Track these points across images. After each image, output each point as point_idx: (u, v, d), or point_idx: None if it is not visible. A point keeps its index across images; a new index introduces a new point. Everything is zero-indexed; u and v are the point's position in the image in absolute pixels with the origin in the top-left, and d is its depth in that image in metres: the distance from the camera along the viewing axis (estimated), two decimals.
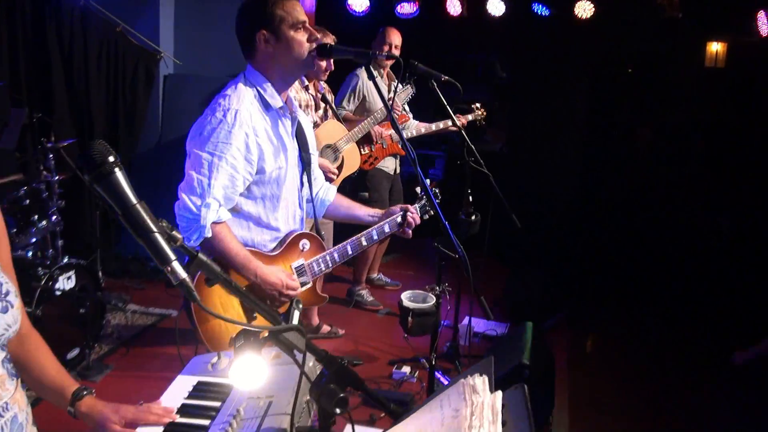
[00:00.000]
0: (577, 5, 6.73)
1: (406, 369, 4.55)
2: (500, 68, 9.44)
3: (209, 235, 2.41)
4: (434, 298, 3.93)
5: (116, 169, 1.23)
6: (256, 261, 2.52)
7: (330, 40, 4.52)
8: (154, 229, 1.22)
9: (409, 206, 2.92)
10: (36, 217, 4.48)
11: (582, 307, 6.06)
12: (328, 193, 3.01)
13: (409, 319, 4.38)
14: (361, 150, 5.27)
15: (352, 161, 4.84)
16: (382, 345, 5.02)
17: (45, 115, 5.34)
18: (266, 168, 2.53)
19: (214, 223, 2.43)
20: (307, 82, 4.47)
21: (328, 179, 4.40)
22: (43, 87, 5.99)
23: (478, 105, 5.67)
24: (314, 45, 2.53)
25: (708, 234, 7.40)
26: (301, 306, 1.48)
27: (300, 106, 4.36)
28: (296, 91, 4.34)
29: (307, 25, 2.55)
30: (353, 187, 5.44)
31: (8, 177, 4.75)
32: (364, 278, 6.04)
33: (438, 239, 3.19)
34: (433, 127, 5.53)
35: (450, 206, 4.01)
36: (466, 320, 5.04)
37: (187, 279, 1.22)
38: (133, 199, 1.23)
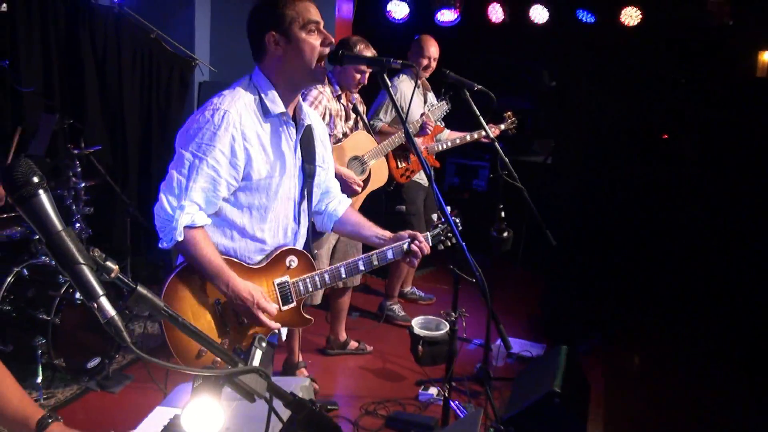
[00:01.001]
0: (623, 12, 6.53)
1: (433, 391, 4.38)
2: (548, 76, 9.23)
3: (181, 238, 2.28)
4: (448, 326, 3.73)
5: (40, 191, 1.11)
6: (230, 272, 2.34)
7: (370, 52, 4.40)
8: (80, 260, 1.08)
9: (418, 234, 2.71)
10: None
11: (620, 328, 5.79)
12: (338, 207, 2.85)
13: (420, 347, 4.22)
14: (398, 163, 5.15)
15: (380, 175, 4.69)
16: (411, 363, 4.82)
17: (77, 122, 5.33)
18: (253, 175, 2.38)
19: (188, 227, 2.29)
20: (339, 91, 4.35)
21: (353, 191, 4.26)
22: (76, 93, 5.99)
23: (510, 113, 5.48)
24: (327, 50, 2.39)
25: (760, 250, 7.05)
26: (264, 344, 1.34)
27: (330, 115, 4.24)
28: (327, 100, 4.22)
29: (322, 28, 2.40)
30: (389, 199, 5.32)
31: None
32: (397, 292, 5.89)
33: (455, 261, 2.99)
34: (468, 137, 5.36)
35: (486, 222, 3.88)
36: (499, 339, 4.84)
37: (116, 317, 1.08)
38: (58, 226, 1.10)
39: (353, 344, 5.05)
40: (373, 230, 2.78)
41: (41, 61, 5.66)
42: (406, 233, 2.70)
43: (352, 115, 4.55)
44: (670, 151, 8.21)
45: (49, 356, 4.10)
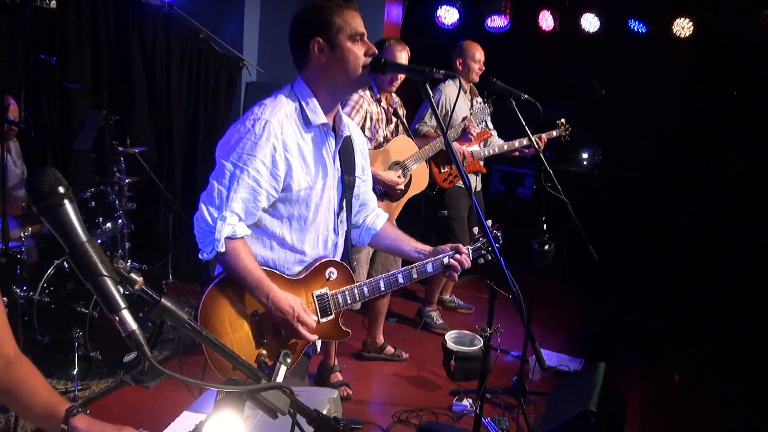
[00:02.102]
0: (675, 23, 6.42)
1: (468, 402, 4.31)
2: (598, 86, 9.10)
3: (223, 250, 2.26)
4: (482, 341, 3.66)
5: (65, 202, 1.10)
6: (271, 284, 2.32)
7: (405, 53, 4.38)
8: (103, 272, 1.06)
9: (460, 246, 2.64)
10: (101, 219, 4.50)
11: (660, 346, 5.66)
12: (376, 220, 2.81)
13: (452, 362, 4.15)
14: (441, 168, 5.11)
15: (421, 180, 4.65)
16: None
17: (124, 119, 5.39)
18: (293, 186, 2.35)
19: (229, 238, 2.27)
20: (379, 95, 4.32)
21: (395, 194, 4.24)
22: (124, 90, 6.09)
23: (563, 120, 5.38)
24: (369, 60, 2.36)
25: None
26: (289, 361, 1.31)
27: (371, 119, 4.22)
28: (368, 104, 4.20)
29: (366, 38, 2.37)
30: (432, 205, 5.29)
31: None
32: (436, 299, 5.84)
33: (492, 275, 2.92)
34: (516, 143, 5.29)
35: (529, 231, 3.82)
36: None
37: (138, 331, 1.06)
38: (82, 237, 1.09)
39: (389, 349, 5.02)
40: (411, 244, 2.72)
41: (89, 58, 5.76)
42: (447, 246, 2.64)
43: (393, 119, 4.52)
44: (719, 165, 8.01)
45: (86, 348, 4.16)
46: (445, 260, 2.59)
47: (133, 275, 1.10)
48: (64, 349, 4.21)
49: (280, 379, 1.28)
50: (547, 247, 3.79)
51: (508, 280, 2.42)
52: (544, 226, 3.80)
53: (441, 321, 5.69)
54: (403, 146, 4.49)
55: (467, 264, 2.62)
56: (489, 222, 2.70)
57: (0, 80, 4.64)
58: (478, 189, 5.60)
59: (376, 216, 2.81)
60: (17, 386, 1.59)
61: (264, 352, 2.41)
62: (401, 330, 5.65)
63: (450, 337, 4.36)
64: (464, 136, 4.97)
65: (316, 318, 2.44)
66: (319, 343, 2.69)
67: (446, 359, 4.25)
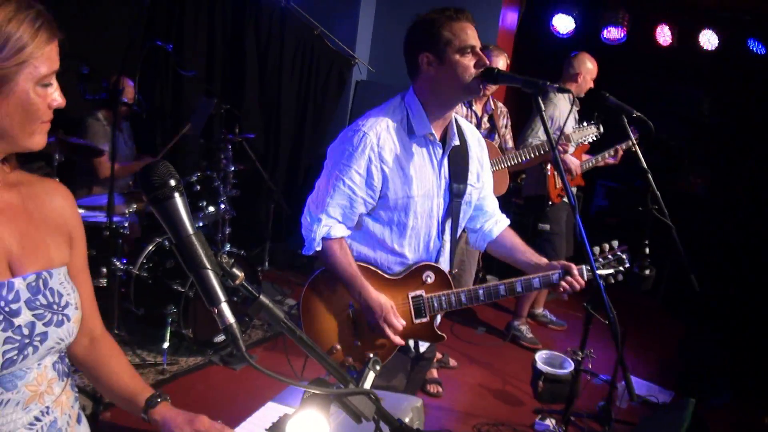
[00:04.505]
0: None
1: (551, 422, 4.20)
2: (709, 107, 8.74)
3: (319, 248, 2.44)
4: (572, 364, 3.56)
5: (176, 194, 1.14)
6: (364, 283, 2.43)
7: (503, 59, 4.32)
8: (206, 265, 1.09)
9: (572, 267, 2.54)
10: (204, 203, 4.63)
11: (756, 385, 5.37)
12: (494, 228, 2.80)
13: (540, 383, 4.05)
14: (557, 182, 5.04)
15: (498, 187, 4.53)
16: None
17: (234, 108, 5.55)
18: (390, 195, 2.42)
19: (325, 238, 2.43)
20: (475, 98, 4.27)
21: None
22: (236, 81, 6.26)
23: (633, 128, 5.19)
24: (480, 71, 2.34)
25: None
26: (378, 367, 1.31)
27: None
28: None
29: (477, 50, 2.36)
30: (535, 217, 5.23)
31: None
32: (526, 312, 5.73)
33: (590, 299, 2.83)
34: (600, 158, 5.17)
35: (631, 251, 3.69)
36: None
37: (235, 325, 1.08)
38: (189, 229, 1.12)
39: (437, 355, 4.87)
40: (527, 255, 2.68)
41: (205, 47, 5.97)
42: (559, 263, 2.56)
43: (486, 124, 4.47)
44: None
45: (179, 325, 4.31)
46: (554, 279, 2.52)
47: (235, 270, 1.13)
48: (158, 323, 4.37)
49: (367, 384, 1.28)
50: (648, 272, 3.65)
51: (605, 305, 2.34)
52: (647, 249, 3.68)
53: (531, 335, 5.58)
54: None
55: (578, 287, 2.54)
56: (615, 242, 2.64)
57: (117, 63, 4.84)
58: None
59: (495, 223, 2.79)
60: (101, 365, 1.64)
61: (359, 343, 2.53)
62: (489, 340, 5.59)
63: (540, 357, 4.28)
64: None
65: (404, 322, 2.48)
66: (423, 347, 2.72)
67: (535, 379, 4.17)
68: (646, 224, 3.66)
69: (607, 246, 2.67)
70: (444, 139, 2.52)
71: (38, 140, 1.33)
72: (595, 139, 4.87)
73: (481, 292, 2.53)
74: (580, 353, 3.00)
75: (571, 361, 4.02)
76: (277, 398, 1.93)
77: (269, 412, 1.85)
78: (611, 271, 2.65)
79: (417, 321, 2.53)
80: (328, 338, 2.53)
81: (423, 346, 2.72)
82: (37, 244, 1.39)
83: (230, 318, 1.08)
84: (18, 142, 1.31)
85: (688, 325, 6.12)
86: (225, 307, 1.08)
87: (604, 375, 4.55)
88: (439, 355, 4.94)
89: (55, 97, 1.32)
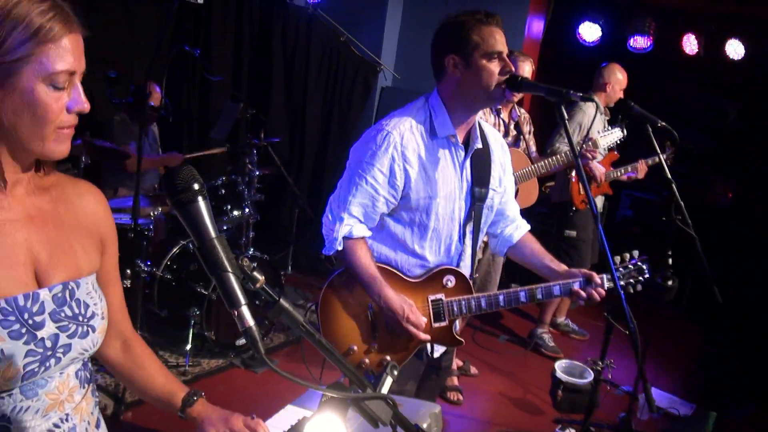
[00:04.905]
0: None
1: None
2: (735, 117, 8.64)
3: (340, 248, 2.42)
4: (592, 374, 3.53)
5: (199, 198, 1.15)
6: (383, 284, 2.40)
7: (529, 66, 4.31)
8: (228, 269, 1.10)
9: (594, 275, 2.52)
10: (229, 206, 4.67)
11: None
12: (514, 233, 2.78)
13: (559, 392, 4.02)
14: (581, 188, 4.99)
15: (528, 196, 4.54)
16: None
17: (260, 113, 5.59)
18: (412, 195, 2.41)
19: (347, 237, 2.41)
20: (499, 106, 4.26)
21: None
22: (262, 86, 6.32)
23: (668, 143, 5.13)
24: (505, 78, 2.33)
25: None
26: (396, 372, 1.32)
27: None
28: (483, 113, 4.14)
29: (504, 56, 2.34)
30: (560, 224, 5.21)
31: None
32: (549, 319, 5.70)
33: (611, 308, 2.80)
34: (621, 171, 5.14)
35: (654, 261, 3.66)
36: (652, 391, 4.55)
37: (254, 328, 1.10)
38: (212, 233, 1.13)
39: (457, 362, 4.84)
40: (546, 261, 2.67)
41: (232, 52, 6.04)
42: (580, 272, 2.54)
43: (513, 132, 4.45)
44: None
45: (201, 327, 4.35)
46: (576, 286, 2.50)
47: (255, 274, 1.14)
48: (180, 325, 4.42)
49: (385, 389, 1.28)
50: (670, 282, 3.63)
51: (626, 315, 2.33)
52: (670, 260, 3.65)
53: (553, 344, 5.54)
54: (515, 160, 4.41)
55: (598, 298, 2.51)
56: (636, 252, 2.61)
57: (144, 67, 4.90)
58: (601, 211, 5.44)
59: (516, 228, 2.78)
60: (136, 368, 1.64)
61: (376, 345, 2.51)
62: (511, 348, 5.56)
63: (560, 366, 4.25)
64: (583, 159, 4.81)
65: (426, 320, 2.46)
66: (438, 351, 2.70)
67: (554, 388, 4.15)
68: (670, 235, 3.63)
69: (627, 255, 2.64)
70: (467, 142, 2.51)
71: (52, 147, 1.25)
72: (619, 142, 4.85)
73: (501, 297, 2.52)
74: (600, 363, 2.98)
75: (590, 370, 3.99)
76: (296, 401, 1.93)
77: (288, 414, 1.86)
78: (631, 280, 2.62)
79: (436, 325, 2.52)
80: (346, 339, 2.52)
81: (437, 352, 2.69)
82: (66, 252, 1.37)
83: (250, 320, 1.09)
84: (29, 147, 1.24)
85: (710, 337, 6.07)
86: (245, 310, 1.09)
87: (626, 386, 4.52)
88: (459, 363, 4.92)
89: (74, 99, 1.24)
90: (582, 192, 5.01)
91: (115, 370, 1.63)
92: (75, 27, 1.22)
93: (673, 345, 5.82)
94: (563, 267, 2.61)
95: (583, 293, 2.49)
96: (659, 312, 6.25)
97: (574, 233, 5.20)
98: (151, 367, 1.67)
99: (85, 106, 1.25)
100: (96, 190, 1.49)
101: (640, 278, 2.61)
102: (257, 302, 3.84)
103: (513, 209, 2.80)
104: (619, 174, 5.15)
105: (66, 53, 1.20)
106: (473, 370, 4.96)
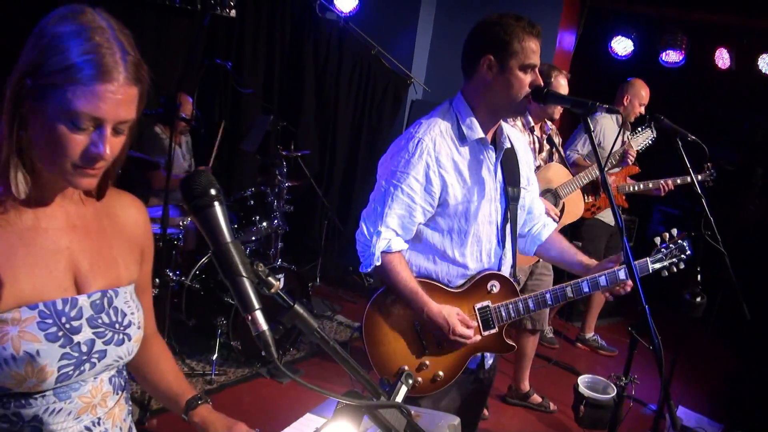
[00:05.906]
0: None
1: None
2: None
3: (378, 263, 2.35)
4: (615, 390, 3.47)
5: (215, 204, 1.15)
6: (425, 297, 2.36)
7: (565, 81, 4.29)
8: (243, 273, 1.11)
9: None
10: (258, 217, 4.71)
11: None
12: (542, 231, 2.75)
13: (581, 407, 3.95)
14: (585, 198, 4.95)
15: (575, 209, 4.52)
16: None
17: (290, 125, 5.64)
18: (449, 201, 2.36)
19: (385, 252, 2.35)
20: (532, 123, 4.24)
21: None
22: (293, 98, 6.37)
23: (709, 165, 5.07)
24: (531, 90, 2.32)
25: None
26: (411, 381, 1.32)
27: None
28: (520, 131, 4.12)
29: (536, 70, 2.33)
30: (569, 234, 5.12)
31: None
32: (593, 323, 5.84)
33: (635, 323, 2.76)
34: (642, 185, 5.13)
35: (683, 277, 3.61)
36: (678, 410, 4.48)
37: (267, 332, 1.10)
38: (227, 237, 1.14)
39: (536, 398, 4.76)
40: (577, 258, 2.63)
41: (264, 65, 6.11)
42: (611, 260, 2.52)
43: (546, 147, 4.44)
44: None
45: (228, 337, 4.39)
46: (620, 276, 2.45)
47: (270, 279, 1.15)
48: (207, 334, 4.47)
49: (399, 398, 1.29)
50: (699, 299, 3.57)
51: (651, 330, 2.30)
52: (699, 276, 3.59)
53: (551, 335, 5.70)
54: (555, 174, 4.39)
55: (623, 290, 2.49)
56: (675, 231, 2.59)
57: (176, 79, 4.96)
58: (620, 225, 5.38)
59: (543, 226, 2.75)
60: (149, 364, 1.68)
61: (428, 362, 2.47)
62: (537, 362, 5.44)
63: (583, 381, 4.21)
64: (623, 161, 4.77)
65: (473, 329, 2.42)
66: (489, 361, 2.66)
67: (576, 403, 4.09)
68: (699, 250, 3.58)
69: (667, 235, 2.60)
70: (494, 143, 2.48)
71: (70, 180, 1.25)
72: (650, 142, 4.80)
73: (548, 296, 2.49)
74: (623, 378, 2.93)
75: (614, 386, 3.93)
76: (315, 410, 1.90)
77: (306, 422, 1.83)
78: (674, 260, 2.59)
79: (485, 333, 2.48)
80: (395, 359, 2.45)
81: (488, 362, 2.65)
82: (107, 261, 1.40)
83: (263, 325, 1.10)
84: (51, 171, 1.25)
85: (739, 354, 5.96)
86: (258, 315, 1.10)
87: (651, 404, 4.46)
88: (537, 399, 4.81)
89: (93, 143, 1.21)
90: (587, 201, 4.97)
91: (131, 365, 1.65)
92: (116, 76, 1.18)
93: (701, 363, 5.72)
94: (594, 261, 2.58)
95: (610, 290, 2.49)
96: (687, 329, 6.15)
97: (580, 244, 5.11)
98: (164, 366, 1.71)
99: (101, 154, 1.21)
100: (139, 202, 1.54)
101: (683, 256, 2.58)
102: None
103: (539, 207, 2.78)
104: (639, 188, 5.10)
105: (94, 98, 1.17)
106: (552, 405, 4.79)
